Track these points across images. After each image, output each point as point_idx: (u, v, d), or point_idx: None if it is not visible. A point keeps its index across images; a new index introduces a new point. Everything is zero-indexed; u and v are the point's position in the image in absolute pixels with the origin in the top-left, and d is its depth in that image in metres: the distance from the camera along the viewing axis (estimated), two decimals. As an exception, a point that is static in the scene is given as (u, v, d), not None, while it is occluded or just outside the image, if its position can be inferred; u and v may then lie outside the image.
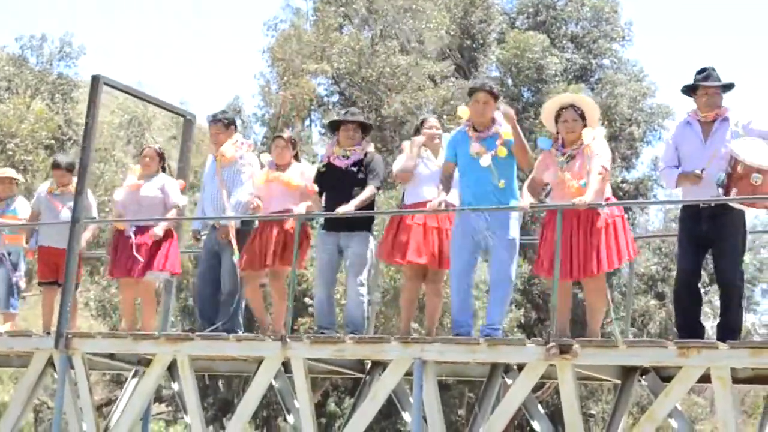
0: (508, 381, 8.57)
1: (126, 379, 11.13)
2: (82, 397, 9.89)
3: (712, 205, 7.78)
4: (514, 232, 8.51)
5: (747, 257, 8.39)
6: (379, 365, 9.04)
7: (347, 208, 8.96)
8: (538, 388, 19.39)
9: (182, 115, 11.98)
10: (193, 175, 19.69)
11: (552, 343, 7.86)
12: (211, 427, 23.61)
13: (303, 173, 9.50)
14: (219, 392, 24.50)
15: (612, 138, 23.90)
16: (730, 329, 7.77)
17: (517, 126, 8.42)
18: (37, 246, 10.79)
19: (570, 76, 26.26)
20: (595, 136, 8.24)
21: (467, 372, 9.45)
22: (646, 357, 7.84)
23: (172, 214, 10.22)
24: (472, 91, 8.66)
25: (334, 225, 9.13)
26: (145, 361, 10.12)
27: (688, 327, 7.92)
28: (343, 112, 10.39)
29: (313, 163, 13.12)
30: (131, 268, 9.99)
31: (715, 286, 13.28)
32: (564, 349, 7.83)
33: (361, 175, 9.18)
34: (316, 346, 8.91)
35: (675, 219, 22.02)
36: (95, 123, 10.26)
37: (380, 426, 22.56)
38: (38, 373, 10.26)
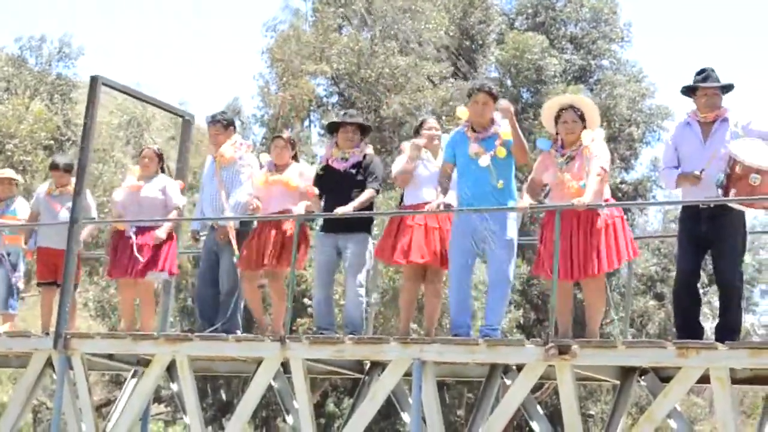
0: (507, 381, 8.57)
1: (125, 379, 11.12)
2: (81, 398, 9.88)
3: (712, 205, 7.78)
4: (512, 232, 8.51)
5: (746, 258, 8.39)
6: (378, 366, 9.04)
7: (346, 209, 8.96)
8: (537, 388, 19.42)
9: (181, 116, 11.98)
10: (191, 176, 19.71)
11: (551, 344, 7.86)
12: (210, 428, 23.59)
13: (302, 173, 9.51)
14: (218, 392, 24.50)
15: (611, 139, 23.89)
16: (729, 330, 7.77)
17: (515, 121, 8.42)
18: (36, 247, 10.79)
19: (569, 77, 26.25)
20: (594, 137, 8.24)
21: (466, 372, 9.43)
22: (645, 357, 7.84)
23: (173, 215, 10.22)
24: (471, 92, 8.67)
25: (333, 226, 9.13)
26: (144, 362, 10.11)
27: (688, 327, 7.92)
28: (341, 113, 10.39)
29: (312, 163, 13.12)
30: (131, 268, 9.99)
31: (715, 287, 13.25)
32: (563, 350, 7.83)
33: (359, 178, 9.17)
34: (315, 346, 8.91)
35: (674, 220, 22.07)
36: (94, 123, 10.26)
37: (379, 426, 22.55)
38: (37, 373, 10.25)
